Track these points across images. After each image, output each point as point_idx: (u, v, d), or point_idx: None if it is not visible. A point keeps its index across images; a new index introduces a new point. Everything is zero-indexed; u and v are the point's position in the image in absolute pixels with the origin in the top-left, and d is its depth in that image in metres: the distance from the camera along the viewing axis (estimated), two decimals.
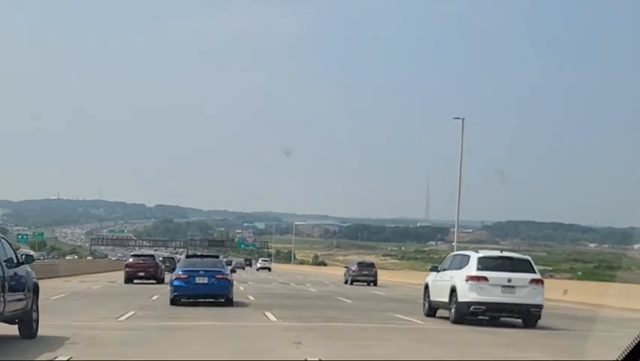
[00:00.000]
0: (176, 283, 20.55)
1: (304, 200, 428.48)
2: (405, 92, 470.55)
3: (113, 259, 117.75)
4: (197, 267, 20.96)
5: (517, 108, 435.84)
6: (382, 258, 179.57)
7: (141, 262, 35.42)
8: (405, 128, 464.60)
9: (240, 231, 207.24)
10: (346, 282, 45.11)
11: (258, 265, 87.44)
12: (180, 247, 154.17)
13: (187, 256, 24.92)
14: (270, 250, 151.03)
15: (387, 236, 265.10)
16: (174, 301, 20.27)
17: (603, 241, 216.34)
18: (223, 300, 20.46)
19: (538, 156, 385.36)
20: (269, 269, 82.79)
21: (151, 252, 54.34)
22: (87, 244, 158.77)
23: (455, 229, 48.61)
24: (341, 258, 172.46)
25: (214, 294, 20.57)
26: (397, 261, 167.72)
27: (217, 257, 23.97)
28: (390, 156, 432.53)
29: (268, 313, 17.80)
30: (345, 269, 50.12)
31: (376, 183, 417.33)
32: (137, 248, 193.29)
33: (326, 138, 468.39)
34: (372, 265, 47.60)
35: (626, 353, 3.72)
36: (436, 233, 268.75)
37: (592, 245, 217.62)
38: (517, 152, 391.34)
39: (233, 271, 31.82)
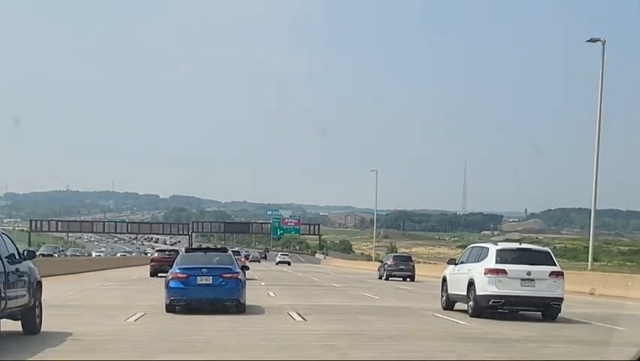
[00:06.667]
0: (172, 284, 18.30)
1: (325, 191, 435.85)
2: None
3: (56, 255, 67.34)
4: (200, 264, 18.87)
5: (561, 88, 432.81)
6: (457, 250, 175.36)
7: (166, 256, 41.84)
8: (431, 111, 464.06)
9: (262, 221, 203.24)
10: (381, 277, 46.96)
11: (277, 259, 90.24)
12: (183, 234, 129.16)
13: (187, 250, 22.26)
14: (321, 236, 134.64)
15: (433, 225, 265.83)
16: (170, 308, 18.29)
17: None
18: (233, 305, 18.53)
19: (586, 139, 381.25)
20: (288, 263, 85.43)
21: (176, 247, 62.50)
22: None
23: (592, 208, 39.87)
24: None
25: (221, 298, 18.41)
26: None
27: (225, 250, 21.34)
28: (419, 145, 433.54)
29: None
30: (380, 263, 52.34)
31: (405, 173, 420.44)
32: (137, 239, 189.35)
33: (345, 128, 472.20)
34: (409, 258, 49.53)
35: None
36: (487, 222, 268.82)
37: None
38: (563, 136, 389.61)
39: (245, 267, 32.16)
